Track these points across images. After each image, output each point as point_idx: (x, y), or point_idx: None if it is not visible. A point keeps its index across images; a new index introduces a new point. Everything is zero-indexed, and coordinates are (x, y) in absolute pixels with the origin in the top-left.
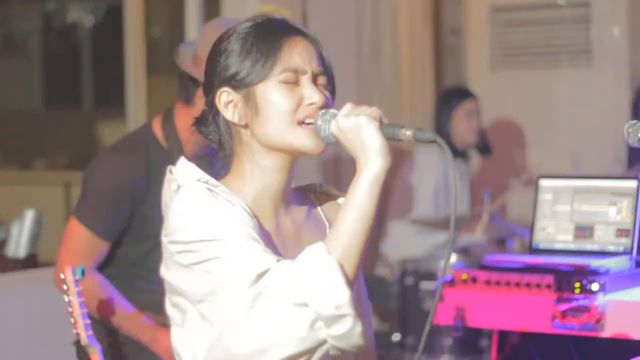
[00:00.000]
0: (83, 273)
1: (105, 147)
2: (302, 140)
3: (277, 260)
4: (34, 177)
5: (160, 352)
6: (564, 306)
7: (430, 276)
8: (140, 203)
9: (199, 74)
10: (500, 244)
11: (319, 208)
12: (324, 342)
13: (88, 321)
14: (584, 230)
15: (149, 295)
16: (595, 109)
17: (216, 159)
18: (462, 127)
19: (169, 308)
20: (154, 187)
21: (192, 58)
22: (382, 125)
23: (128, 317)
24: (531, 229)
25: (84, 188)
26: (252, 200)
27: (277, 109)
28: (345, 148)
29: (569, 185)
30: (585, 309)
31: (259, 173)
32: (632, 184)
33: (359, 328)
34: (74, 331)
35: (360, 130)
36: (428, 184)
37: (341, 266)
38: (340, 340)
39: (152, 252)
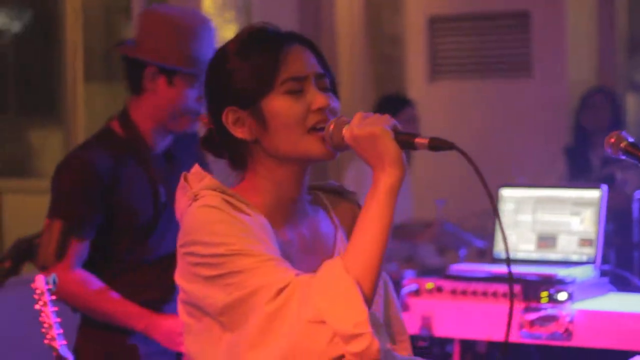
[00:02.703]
0: (55, 282)
1: (37, 154)
2: (315, 147)
3: (297, 274)
4: None
5: (158, 337)
6: (532, 315)
7: None
8: (112, 194)
9: (140, 54)
10: (449, 251)
11: (331, 210)
12: (341, 357)
13: (61, 330)
14: (546, 240)
15: (131, 288)
16: (534, 118)
17: (184, 154)
18: None
19: (183, 315)
20: (124, 178)
21: (131, 44)
22: (397, 134)
23: (119, 308)
24: (491, 238)
25: (52, 190)
26: (267, 211)
27: (286, 121)
28: (360, 157)
29: (531, 195)
30: (553, 319)
31: (272, 186)
32: (594, 193)
33: (376, 345)
34: (46, 341)
35: (376, 140)
36: None
37: (359, 283)
38: (358, 357)
39: (135, 244)
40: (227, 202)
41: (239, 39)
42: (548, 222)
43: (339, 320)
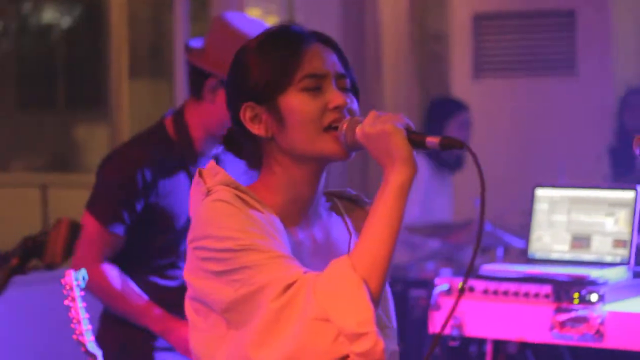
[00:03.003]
0: (84, 278)
1: (83, 148)
2: (329, 146)
3: (305, 272)
4: (10, 179)
5: (173, 343)
6: (563, 316)
7: (419, 284)
8: (151, 195)
9: (205, 65)
10: (489, 251)
11: (345, 217)
12: (346, 357)
13: (90, 327)
14: (580, 241)
15: (161, 291)
16: (578, 118)
17: (228, 158)
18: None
19: (190, 312)
20: (163, 181)
21: (199, 51)
22: (409, 133)
23: (139, 307)
24: (527, 238)
25: (95, 181)
26: (280, 211)
27: (302, 118)
28: (372, 156)
29: (565, 195)
30: (584, 320)
31: (288, 185)
32: (629, 194)
33: (381, 345)
34: (75, 337)
35: (387, 138)
36: (415, 191)
37: (365, 282)
38: (362, 357)
39: (170, 246)
40: (240, 198)
41: (261, 36)
42: (582, 222)
43: (343, 318)
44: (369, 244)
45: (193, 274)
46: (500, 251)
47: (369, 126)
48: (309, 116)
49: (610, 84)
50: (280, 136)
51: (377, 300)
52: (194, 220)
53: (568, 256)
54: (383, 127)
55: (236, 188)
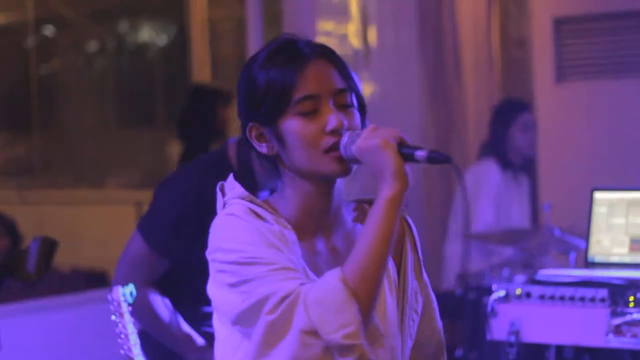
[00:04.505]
0: (132, 294)
1: (176, 165)
2: (330, 167)
3: (302, 284)
4: (105, 196)
5: None
6: (618, 320)
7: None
8: (201, 223)
9: None
10: (560, 256)
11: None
12: None
13: (138, 341)
14: (639, 243)
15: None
16: None
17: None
18: (520, 140)
19: (215, 321)
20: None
21: None
22: (400, 147)
23: (176, 334)
24: (586, 242)
25: (151, 201)
26: (296, 221)
27: (300, 142)
28: (367, 169)
29: (624, 197)
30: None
31: (300, 197)
32: None
33: (366, 357)
34: (122, 352)
35: (377, 153)
36: (488, 197)
37: (356, 295)
38: None
39: None
40: (252, 210)
41: (265, 53)
42: None
43: (329, 331)
44: (360, 257)
45: (213, 284)
46: (572, 256)
47: (362, 140)
48: (307, 140)
49: None
50: (283, 155)
51: (367, 312)
52: (210, 233)
53: (627, 259)
54: (374, 141)
55: (250, 201)
